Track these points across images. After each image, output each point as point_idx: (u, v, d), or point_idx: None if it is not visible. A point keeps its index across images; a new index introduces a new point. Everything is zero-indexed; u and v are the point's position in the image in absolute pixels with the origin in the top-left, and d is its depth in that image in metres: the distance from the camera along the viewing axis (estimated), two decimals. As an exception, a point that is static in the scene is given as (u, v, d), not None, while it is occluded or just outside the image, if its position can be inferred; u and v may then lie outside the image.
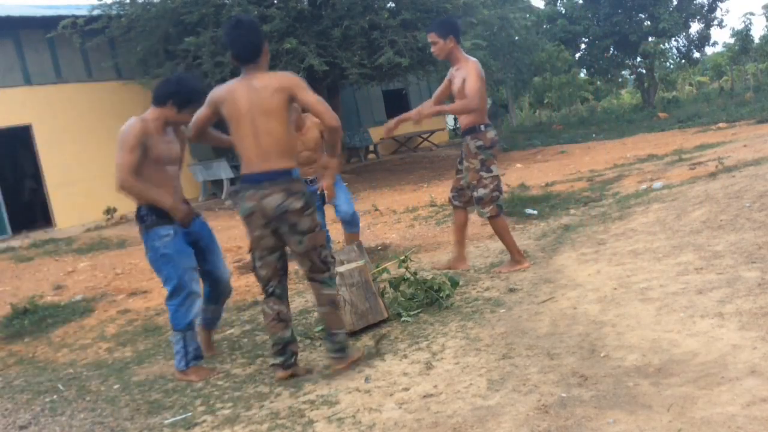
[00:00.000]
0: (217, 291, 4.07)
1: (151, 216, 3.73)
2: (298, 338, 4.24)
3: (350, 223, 4.92)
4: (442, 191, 10.10)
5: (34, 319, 5.76)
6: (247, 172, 3.42)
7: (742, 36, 26.25)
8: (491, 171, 4.79)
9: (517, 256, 4.90)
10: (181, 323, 3.78)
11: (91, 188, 13.15)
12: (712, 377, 2.67)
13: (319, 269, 3.50)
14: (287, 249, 3.54)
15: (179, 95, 3.72)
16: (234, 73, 3.50)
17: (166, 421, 3.29)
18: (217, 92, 3.50)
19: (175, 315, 3.79)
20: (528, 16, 19.30)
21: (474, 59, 4.77)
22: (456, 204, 5.10)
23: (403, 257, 4.63)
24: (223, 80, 11.91)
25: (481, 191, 4.80)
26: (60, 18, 12.40)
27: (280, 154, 3.38)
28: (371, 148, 18.97)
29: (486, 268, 5.13)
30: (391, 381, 3.25)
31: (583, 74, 27.58)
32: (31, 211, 14.56)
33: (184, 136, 3.92)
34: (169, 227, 3.74)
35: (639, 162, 10.13)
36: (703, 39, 25.35)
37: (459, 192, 5.05)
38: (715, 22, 24.94)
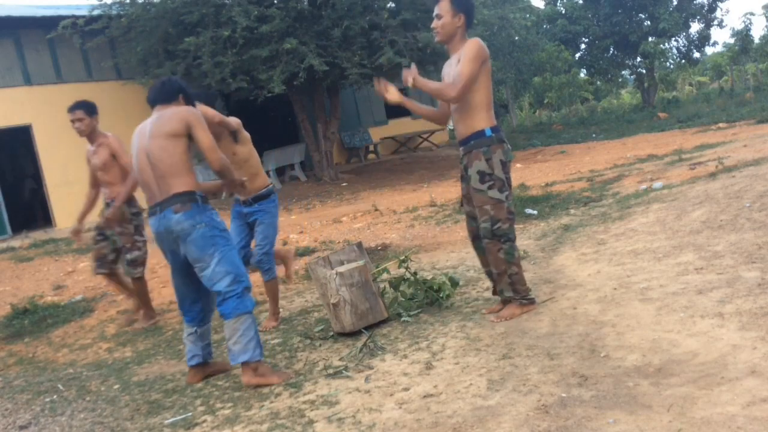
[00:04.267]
0: None
1: (202, 195, 3.56)
2: (298, 338, 4.25)
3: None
4: (442, 191, 10.11)
5: (34, 319, 5.76)
6: None
7: (742, 36, 26.28)
8: (143, 235, 5.26)
9: (149, 312, 5.37)
10: (251, 304, 3.52)
11: (91, 188, 13.13)
12: (712, 377, 2.67)
13: None
14: None
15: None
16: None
17: (166, 421, 3.29)
18: None
19: (243, 297, 3.47)
20: (528, 16, 19.33)
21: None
22: (102, 272, 5.43)
23: (403, 257, 4.63)
24: (223, 80, 12.00)
25: (135, 253, 5.24)
26: (60, 18, 12.39)
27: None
28: (371, 148, 18.97)
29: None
30: (391, 381, 3.24)
31: (583, 74, 27.59)
32: (31, 211, 14.56)
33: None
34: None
35: (639, 162, 10.13)
36: (703, 39, 25.37)
37: (101, 261, 5.39)
38: (715, 22, 24.97)
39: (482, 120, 3.71)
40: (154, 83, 3.81)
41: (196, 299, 3.75)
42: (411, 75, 3.71)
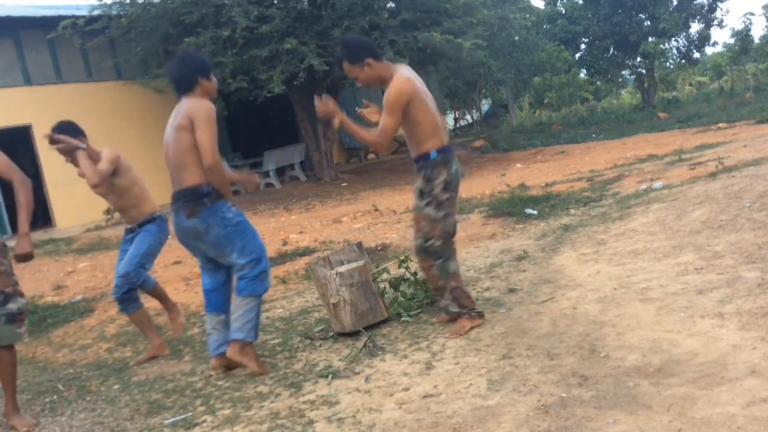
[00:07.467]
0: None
1: (214, 192, 3.62)
2: (298, 338, 4.25)
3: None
4: (442, 191, 10.08)
5: (34, 319, 5.74)
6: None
7: (742, 36, 26.28)
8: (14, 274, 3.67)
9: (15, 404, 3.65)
10: (261, 288, 3.69)
11: (91, 188, 13.13)
12: (712, 377, 2.67)
13: None
14: None
15: None
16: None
17: (166, 421, 3.29)
18: None
19: (255, 281, 3.65)
20: (528, 16, 19.36)
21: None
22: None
23: (403, 257, 4.63)
24: (223, 80, 11.98)
25: (21, 301, 3.59)
26: (60, 18, 12.39)
27: None
28: (371, 148, 18.97)
29: (486, 268, 5.13)
30: (391, 381, 3.24)
31: (583, 74, 27.58)
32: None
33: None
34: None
35: (639, 162, 10.13)
36: (703, 39, 25.39)
37: None
38: (715, 22, 25.00)
39: (428, 144, 3.85)
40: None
41: (224, 282, 3.86)
42: (336, 114, 3.85)
